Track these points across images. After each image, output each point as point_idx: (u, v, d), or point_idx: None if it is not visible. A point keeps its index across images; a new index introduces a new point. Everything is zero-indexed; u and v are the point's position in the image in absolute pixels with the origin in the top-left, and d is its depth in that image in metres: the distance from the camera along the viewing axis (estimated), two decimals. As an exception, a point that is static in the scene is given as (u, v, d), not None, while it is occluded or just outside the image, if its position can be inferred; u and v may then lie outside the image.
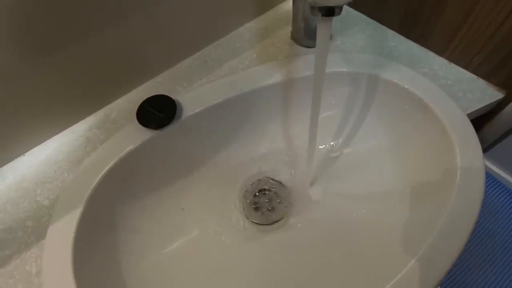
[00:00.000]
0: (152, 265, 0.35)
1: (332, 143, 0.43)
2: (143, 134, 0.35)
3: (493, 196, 1.06)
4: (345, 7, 0.46)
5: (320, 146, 0.43)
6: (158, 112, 0.35)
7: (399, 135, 0.39)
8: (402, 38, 0.42)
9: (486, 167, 1.10)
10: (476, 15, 0.34)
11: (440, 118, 0.34)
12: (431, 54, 0.40)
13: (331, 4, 0.22)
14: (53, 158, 0.36)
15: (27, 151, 0.36)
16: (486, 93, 0.37)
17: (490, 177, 1.09)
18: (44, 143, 0.37)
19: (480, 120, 0.40)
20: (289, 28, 0.44)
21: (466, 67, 0.38)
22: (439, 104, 0.35)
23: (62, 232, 0.30)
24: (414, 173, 0.37)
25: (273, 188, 0.43)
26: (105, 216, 0.34)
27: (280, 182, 0.43)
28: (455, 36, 0.37)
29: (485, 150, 0.45)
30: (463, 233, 0.27)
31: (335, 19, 0.44)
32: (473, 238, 0.99)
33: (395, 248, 0.32)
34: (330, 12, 0.23)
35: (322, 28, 0.25)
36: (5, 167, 0.35)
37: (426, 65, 0.39)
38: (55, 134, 0.37)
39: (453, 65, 0.39)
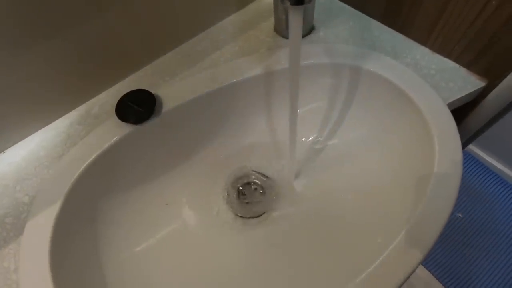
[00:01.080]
0: (133, 258, 0.35)
1: (316, 135, 0.43)
2: (123, 129, 0.35)
3: (482, 182, 1.06)
4: (329, -2, 0.46)
5: (303, 138, 0.43)
6: (137, 107, 0.35)
7: (381, 126, 0.39)
8: (385, 28, 0.42)
9: (477, 155, 1.10)
10: (455, 3, 0.33)
11: (420, 108, 0.34)
12: (414, 44, 0.40)
13: (299, -8, 0.22)
14: (34, 155, 0.36)
15: (8, 148, 0.36)
16: (468, 82, 0.36)
17: (480, 165, 1.09)
18: (25, 139, 0.37)
19: (464, 109, 0.39)
20: (272, 21, 0.44)
21: (448, 56, 0.38)
22: (420, 94, 0.35)
23: (40, 228, 0.30)
24: (396, 163, 0.37)
25: (258, 181, 0.43)
26: (85, 210, 0.34)
27: (265, 175, 0.43)
28: (435, 25, 0.36)
29: (473, 137, 0.44)
30: (439, 219, 0.28)
31: (319, 10, 0.43)
32: (466, 228, 0.99)
33: (377, 235, 0.32)
34: (299, 0, 0.23)
35: (293, 17, 0.24)
36: (-15, 164, 0.35)
37: (409, 55, 0.39)
38: (36, 130, 0.37)
39: (436, 55, 0.39)
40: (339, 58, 0.39)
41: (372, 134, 0.40)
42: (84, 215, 0.33)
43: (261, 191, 0.42)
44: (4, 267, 0.29)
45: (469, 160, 1.11)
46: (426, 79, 0.36)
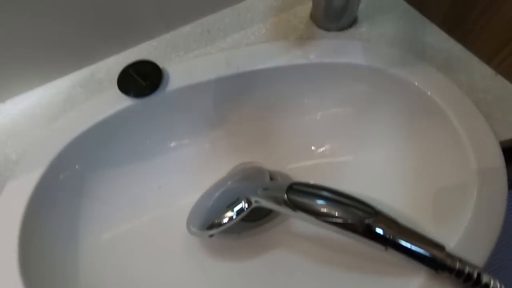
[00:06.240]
0: (113, 238, 0.33)
1: (332, 144, 0.38)
2: (123, 102, 0.32)
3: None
4: (382, -12, 0.39)
5: (322, 147, 0.38)
6: (141, 80, 0.32)
7: (415, 148, 0.33)
8: (443, 34, 0.35)
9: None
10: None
11: (464, 140, 0.28)
12: (474, 59, 0.33)
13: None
14: (30, 111, 0.34)
15: (8, 98, 0.35)
16: (532, 119, 0.30)
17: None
18: (25, 93, 0.35)
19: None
20: (309, 5, 0.38)
21: (514, 82, 0.31)
22: (467, 122, 0.29)
23: (19, 190, 0.28)
24: (427, 191, 0.31)
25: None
26: (71, 181, 0.32)
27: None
28: (508, 42, 0.29)
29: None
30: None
31: (367, 1, 0.36)
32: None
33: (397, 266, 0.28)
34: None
35: None
36: (-17, 112, 0.34)
37: (465, 72, 0.32)
38: (37, 86, 0.36)
39: (499, 77, 0.32)
40: (378, 61, 0.33)
41: (403, 154, 0.34)
42: (68, 185, 0.32)
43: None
44: (-24, 224, 0.28)
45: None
46: (480, 106, 0.30)
